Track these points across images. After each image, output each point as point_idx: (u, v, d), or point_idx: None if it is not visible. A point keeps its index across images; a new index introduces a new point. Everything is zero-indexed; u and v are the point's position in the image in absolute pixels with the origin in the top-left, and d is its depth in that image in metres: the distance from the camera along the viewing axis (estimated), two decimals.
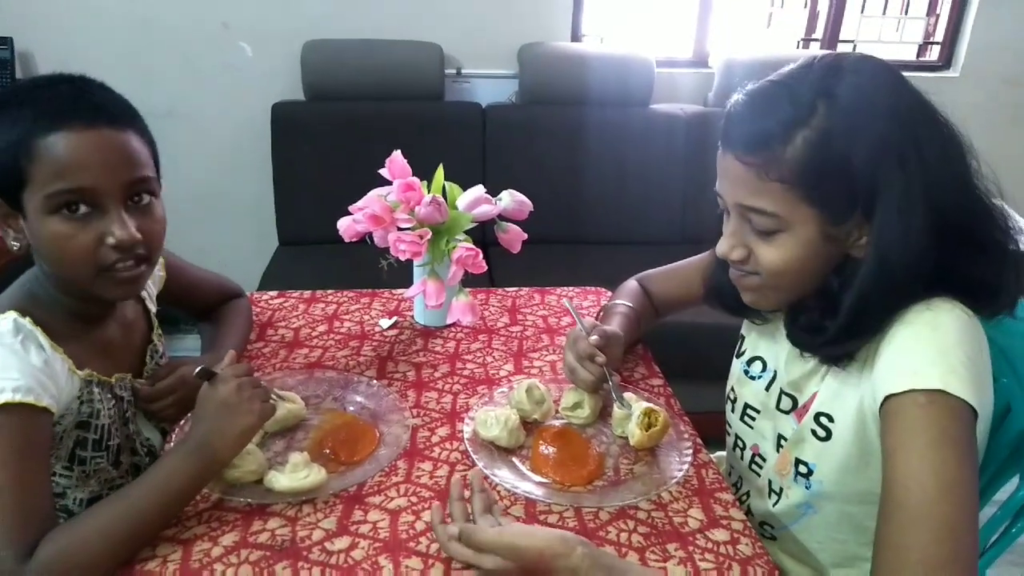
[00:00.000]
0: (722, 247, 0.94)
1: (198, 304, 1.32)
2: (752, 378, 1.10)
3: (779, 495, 1.03)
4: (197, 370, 0.95)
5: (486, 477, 0.97)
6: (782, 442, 1.02)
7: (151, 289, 1.18)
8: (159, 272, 1.19)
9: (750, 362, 1.11)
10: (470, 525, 0.82)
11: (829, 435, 0.94)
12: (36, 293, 0.97)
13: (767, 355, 1.08)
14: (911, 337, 0.84)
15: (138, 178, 0.92)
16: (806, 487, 0.98)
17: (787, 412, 1.02)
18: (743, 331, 1.15)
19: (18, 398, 0.86)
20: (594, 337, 1.11)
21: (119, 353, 1.06)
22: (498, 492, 0.98)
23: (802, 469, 0.98)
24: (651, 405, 1.07)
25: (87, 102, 0.90)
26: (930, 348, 0.82)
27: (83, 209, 0.88)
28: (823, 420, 0.95)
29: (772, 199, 0.85)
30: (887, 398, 0.81)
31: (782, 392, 1.03)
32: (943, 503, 0.75)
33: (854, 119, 0.82)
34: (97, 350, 1.01)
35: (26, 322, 0.92)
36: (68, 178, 0.87)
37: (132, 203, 0.93)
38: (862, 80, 0.83)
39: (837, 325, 0.88)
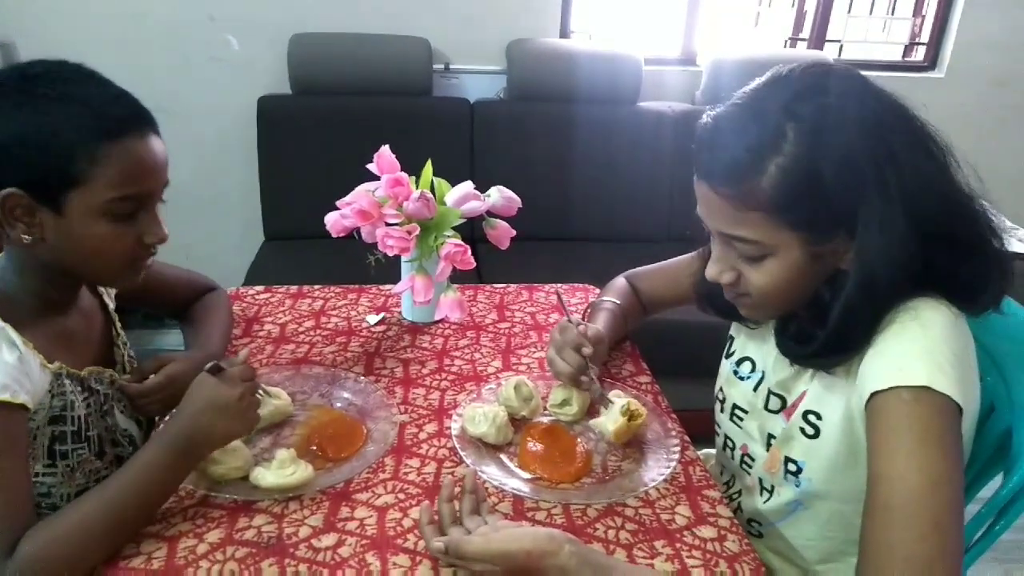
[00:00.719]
0: (711, 272, 0.93)
1: (168, 301, 1.30)
2: (741, 378, 1.10)
3: (771, 493, 1.03)
4: (209, 365, 0.94)
5: (477, 476, 0.96)
6: (771, 441, 1.03)
7: None
8: None
9: (739, 363, 1.11)
10: (456, 538, 0.81)
11: (817, 433, 0.95)
12: (1, 287, 0.96)
13: (756, 356, 1.08)
14: (896, 335, 0.84)
15: (167, 179, 0.98)
16: (796, 485, 0.98)
17: (776, 412, 1.03)
18: (732, 332, 1.16)
19: None
20: (582, 326, 1.11)
21: (82, 344, 1.05)
22: (486, 489, 0.98)
23: (791, 467, 0.98)
24: (630, 399, 1.08)
25: (138, 108, 0.94)
26: (915, 345, 0.82)
27: (130, 211, 0.93)
28: (811, 418, 0.95)
29: (752, 228, 0.84)
30: (872, 395, 0.82)
31: (770, 392, 1.04)
32: (929, 500, 0.75)
33: (825, 140, 0.80)
34: (61, 340, 1.00)
35: None
36: (131, 185, 0.91)
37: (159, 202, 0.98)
38: (829, 98, 0.82)
39: (825, 337, 0.88)
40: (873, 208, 0.81)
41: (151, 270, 1.23)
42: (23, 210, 0.89)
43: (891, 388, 0.80)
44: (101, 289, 1.14)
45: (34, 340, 0.94)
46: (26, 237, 0.90)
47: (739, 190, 0.83)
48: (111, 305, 1.16)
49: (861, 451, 0.87)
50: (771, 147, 0.81)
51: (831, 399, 0.93)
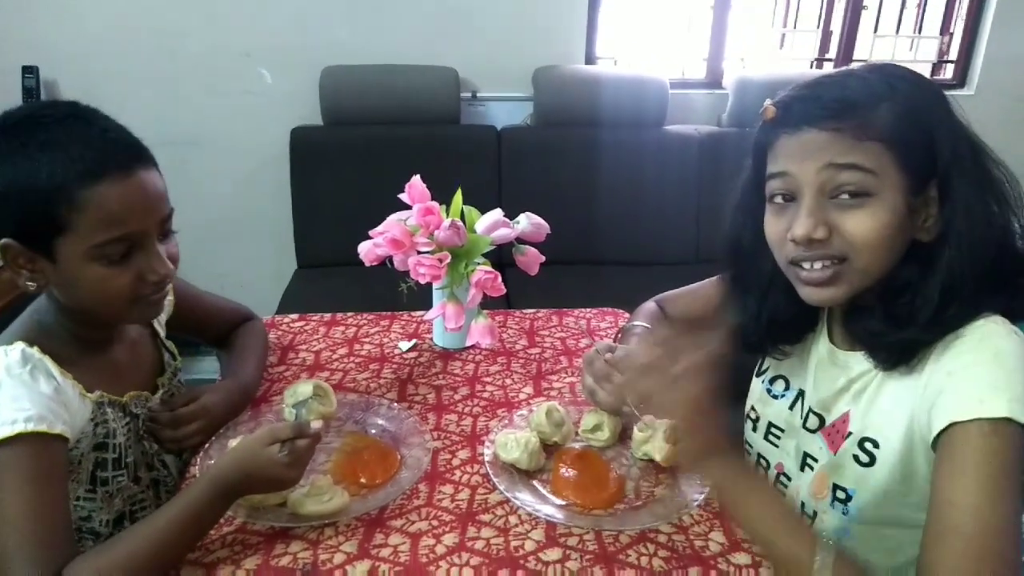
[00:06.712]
0: (803, 228, 0.86)
1: (210, 330, 1.33)
2: (775, 397, 1.09)
3: (812, 519, 1.01)
4: (295, 423, 0.95)
5: (508, 501, 0.96)
6: (808, 460, 1.01)
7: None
8: (168, 298, 1.20)
9: (772, 381, 1.10)
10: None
11: (872, 461, 0.92)
12: (44, 321, 0.99)
13: (791, 374, 1.08)
14: (972, 363, 0.83)
15: (169, 212, 0.97)
16: (843, 512, 0.96)
17: (813, 431, 1.02)
18: None
19: (30, 427, 0.86)
20: (609, 354, 1.11)
21: (128, 374, 1.07)
22: (518, 516, 0.99)
23: (840, 495, 0.96)
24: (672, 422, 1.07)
25: (120, 146, 0.91)
26: (993, 374, 0.81)
27: (122, 252, 0.92)
28: (867, 446, 0.93)
29: (868, 156, 0.85)
30: (950, 425, 0.80)
31: (810, 411, 1.03)
32: (1003, 534, 0.74)
33: (927, 107, 0.86)
34: (106, 373, 1.02)
35: (34, 352, 0.93)
36: (117, 227, 0.89)
37: (162, 236, 0.96)
38: (920, 85, 0.88)
39: (928, 310, 0.86)
40: (967, 178, 0.85)
41: (196, 298, 1.26)
42: (24, 258, 0.91)
43: (973, 420, 0.79)
44: None
45: (74, 371, 0.96)
46: (30, 284, 0.92)
47: (857, 122, 0.84)
48: (162, 333, 1.18)
49: (916, 478, 0.86)
50: (884, 94, 0.85)
51: (890, 425, 0.91)
